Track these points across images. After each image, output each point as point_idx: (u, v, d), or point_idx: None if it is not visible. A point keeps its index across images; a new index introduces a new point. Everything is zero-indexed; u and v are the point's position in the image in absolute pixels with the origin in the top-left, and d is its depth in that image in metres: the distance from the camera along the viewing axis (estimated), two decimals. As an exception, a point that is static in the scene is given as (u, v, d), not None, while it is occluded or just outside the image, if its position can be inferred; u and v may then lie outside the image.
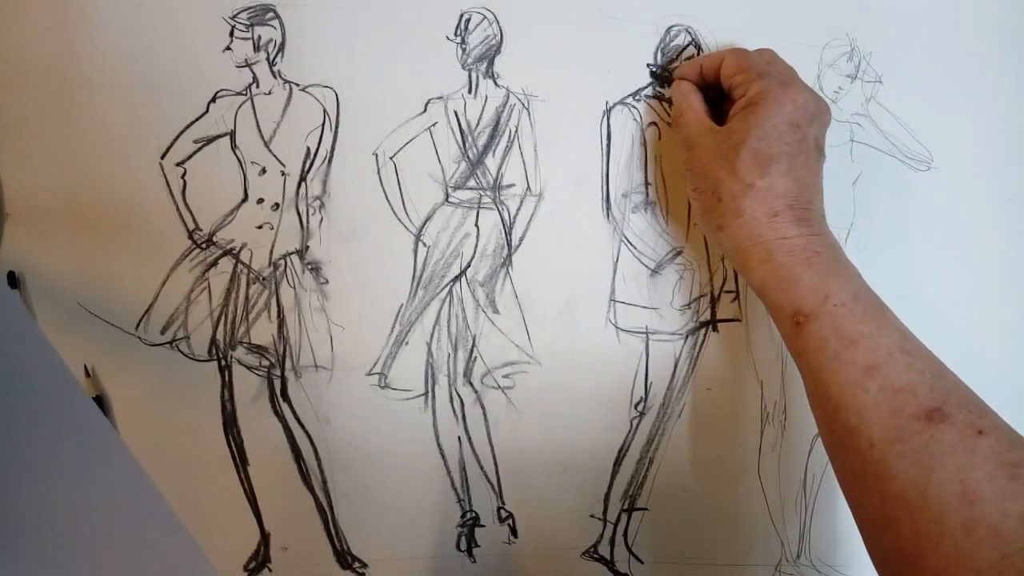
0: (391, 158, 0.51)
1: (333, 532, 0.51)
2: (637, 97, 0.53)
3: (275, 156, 0.50)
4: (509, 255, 0.52)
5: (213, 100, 0.50)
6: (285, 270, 0.51)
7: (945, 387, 0.39)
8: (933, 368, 0.40)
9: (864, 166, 0.56)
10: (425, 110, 0.51)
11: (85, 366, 0.49)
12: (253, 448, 0.51)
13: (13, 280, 0.48)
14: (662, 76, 0.53)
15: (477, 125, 0.52)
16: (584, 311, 0.53)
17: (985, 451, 0.37)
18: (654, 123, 0.54)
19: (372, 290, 0.51)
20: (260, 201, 0.50)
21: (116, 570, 0.41)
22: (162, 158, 0.50)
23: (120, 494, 0.43)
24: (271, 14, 0.50)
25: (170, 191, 0.50)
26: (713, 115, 0.49)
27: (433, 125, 0.52)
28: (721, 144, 0.45)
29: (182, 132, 0.50)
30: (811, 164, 0.45)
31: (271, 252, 0.51)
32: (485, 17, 0.52)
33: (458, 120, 0.52)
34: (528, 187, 0.52)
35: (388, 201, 0.51)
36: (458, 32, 0.51)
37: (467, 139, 0.52)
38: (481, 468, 0.53)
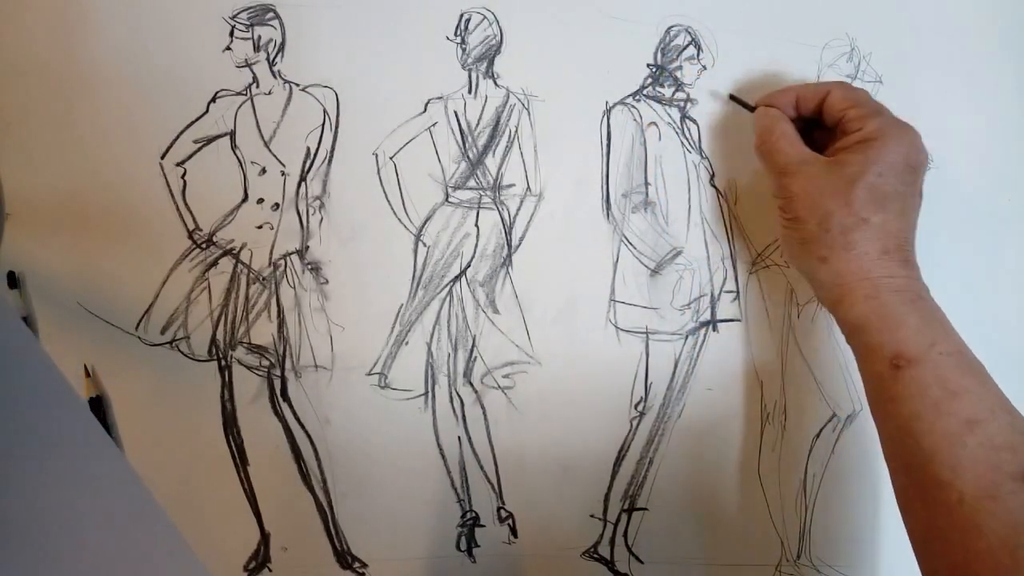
0: (391, 158, 0.51)
1: (333, 532, 0.51)
2: (637, 97, 0.53)
3: (275, 156, 0.50)
4: (509, 255, 0.52)
5: (213, 100, 0.50)
6: (285, 270, 0.51)
7: None
8: None
9: (864, 166, 0.56)
10: (425, 110, 0.51)
11: (85, 366, 0.49)
12: (253, 448, 0.51)
13: (13, 280, 0.48)
14: (743, 103, 0.52)
15: (477, 125, 0.52)
16: (584, 311, 0.53)
17: None
18: (654, 123, 0.54)
19: (372, 290, 0.51)
20: (260, 201, 0.50)
21: (105, 571, 0.41)
22: (162, 158, 0.50)
23: (109, 495, 0.43)
24: (271, 14, 0.50)
25: (170, 191, 0.50)
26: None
27: (433, 125, 0.52)
28: (832, 175, 0.44)
29: (182, 132, 0.50)
30: (917, 208, 0.46)
31: (271, 252, 0.51)
32: (485, 17, 0.52)
33: (458, 120, 0.52)
34: (528, 187, 0.52)
35: (388, 201, 0.51)
36: (458, 32, 0.51)
37: (467, 139, 0.52)
38: (481, 468, 0.53)
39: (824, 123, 0.49)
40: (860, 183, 0.43)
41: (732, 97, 0.53)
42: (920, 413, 0.40)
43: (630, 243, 0.53)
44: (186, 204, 0.50)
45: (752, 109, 0.51)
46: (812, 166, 0.45)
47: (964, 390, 0.40)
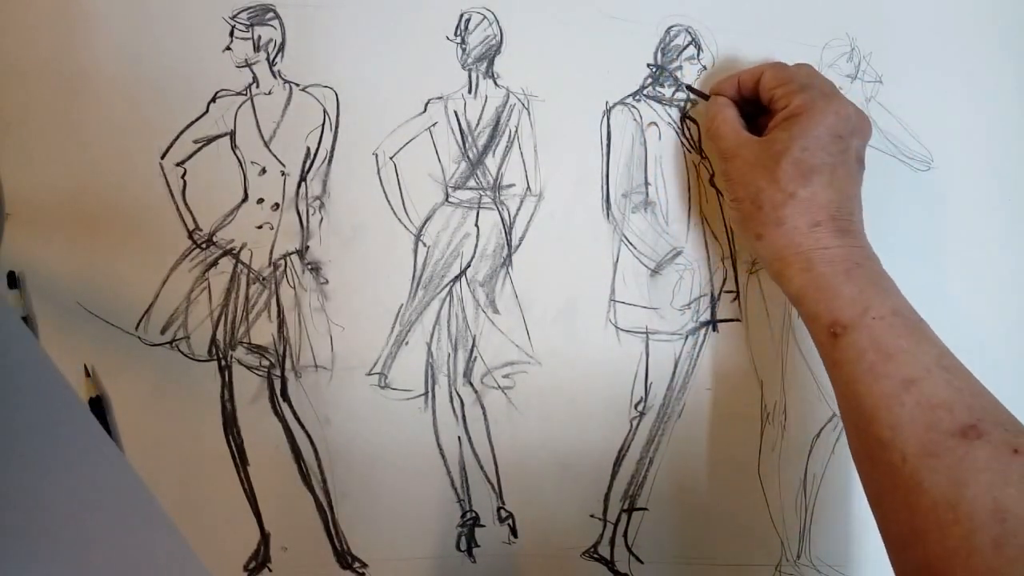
0: (391, 158, 0.51)
1: (333, 532, 0.51)
2: (637, 97, 0.53)
3: (275, 156, 0.50)
4: (509, 255, 0.52)
5: (213, 100, 0.50)
6: (285, 270, 0.51)
7: (982, 405, 0.39)
8: (970, 386, 0.40)
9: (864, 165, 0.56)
10: (425, 110, 0.51)
11: (85, 366, 0.49)
12: (253, 448, 0.51)
13: (13, 280, 0.48)
14: (696, 92, 0.53)
15: (477, 125, 0.52)
16: (584, 311, 0.53)
17: (1020, 470, 0.36)
18: (654, 123, 0.54)
19: (372, 290, 0.51)
20: (260, 201, 0.50)
21: (106, 572, 0.41)
22: (162, 158, 0.50)
23: (110, 495, 0.43)
24: (271, 14, 0.50)
25: (170, 191, 0.50)
26: (749, 129, 0.49)
27: (433, 125, 0.52)
28: (761, 154, 0.46)
29: (182, 132, 0.50)
30: (852, 176, 0.46)
31: (271, 252, 0.51)
32: (485, 17, 0.52)
33: (458, 120, 0.52)
34: (528, 187, 0.52)
35: (388, 201, 0.51)
36: (458, 32, 0.51)
37: (467, 139, 0.52)
38: (481, 468, 0.52)
39: (762, 104, 0.49)
40: (785, 158, 0.44)
41: (688, 87, 0.53)
42: (859, 376, 0.41)
43: (630, 243, 0.53)
44: (186, 204, 0.50)
45: (706, 97, 0.52)
46: (746, 148, 0.47)
47: (899, 351, 0.41)
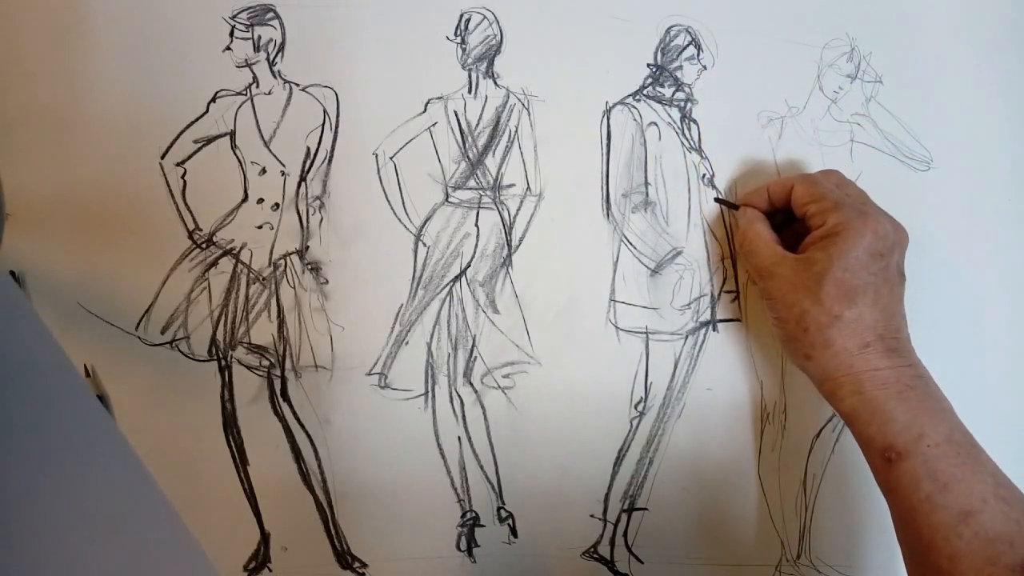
0: (391, 158, 0.51)
1: (333, 532, 0.51)
2: (637, 97, 0.53)
3: (275, 156, 0.50)
4: (509, 255, 0.52)
5: (213, 100, 0.50)
6: (285, 270, 0.51)
7: None
8: None
9: (864, 166, 0.56)
10: (425, 110, 0.51)
11: (85, 366, 0.49)
12: (253, 448, 0.50)
13: (13, 280, 0.48)
14: (727, 203, 0.53)
15: (477, 125, 0.52)
16: (584, 311, 0.53)
17: None
18: (654, 123, 0.54)
19: (372, 290, 0.51)
20: (260, 201, 0.50)
21: (117, 569, 0.41)
22: (162, 158, 0.50)
23: (122, 493, 0.43)
24: (271, 14, 0.50)
25: (170, 191, 0.50)
26: (779, 236, 0.49)
27: (433, 125, 0.52)
28: (801, 273, 0.45)
29: (182, 132, 0.50)
30: (895, 292, 0.46)
31: (271, 252, 0.51)
32: (485, 17, 0.52)
33: (458, 120, 0.52)
34: (528, 187, 0.52)
35: (388, 201, 0.51)
36: (458, 32, 0.51)
37: (467, 139, 0.52)
38: (481, 468, 0.52)
39: (794, 215, 0.49)
40: (827, 279, 0.44)
41: (717, 199, 0.53)
42: (916, 505, 0.41)
43: (630, 243, 0.53)
44: (186, 204, 0.50)
45: (736, 208, 0.52)
46: (784, 266, 0.46)
47: (955, 480, 0.41)
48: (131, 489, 0.43)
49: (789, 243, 0.49)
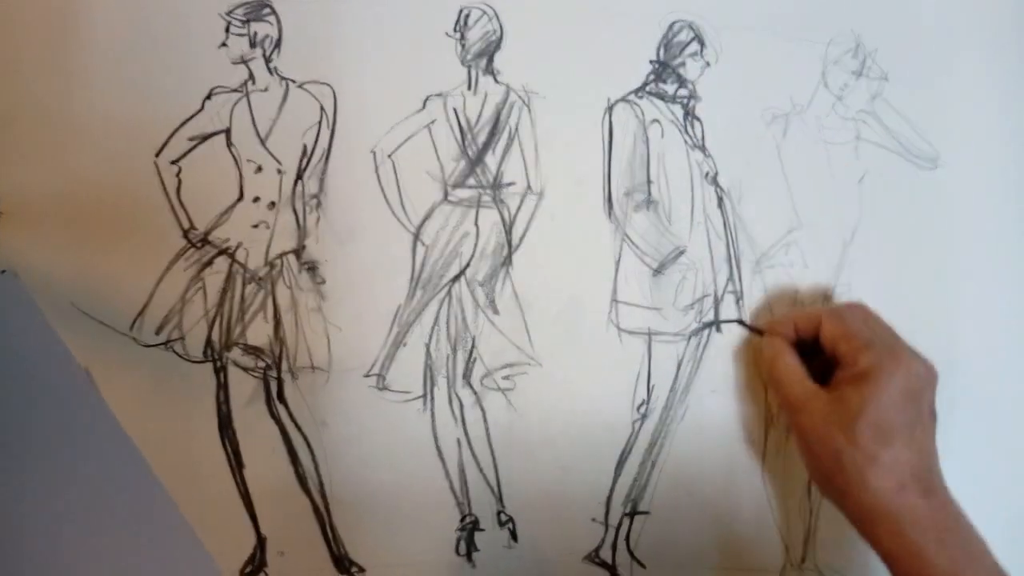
0: (389, 156, 0.51)
1: (331, 536, 0.51)
2: (640, 94, 0.53)
3: (271, 154, 0.50)
4: (509, 254, 0.52)
5: (208, 97, 0.50)
6: (281, 270, 0.50)
7: None
8: None
9: (870, 164, 0.56)
10: (424, 107, 0.51)
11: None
12: (249, 451, 0.50)
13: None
14: (750, 328, 0.53)
15: (477, 122, 0.52)
16: (585, 312, 0.52)
17: None
18: (656, 120, 0.53)
19: (370, 290, 0.51)
20: (256, 200, 0.50)
21: (121, 567, 0.41)
22: (157, 156, 0.49)
23: (126, 491, 0.43)
24: (267, 10, 0.50)
25: (165, 189, 0.49)
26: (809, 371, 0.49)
27: (432, 122, 0.51)
28: (835, 411, 0.46)
29: (177, 129, 0.49)
30: (927, 432, 0.46)
31: (267, 251, 0.50)
32: (485, 12, 0.51)
33: (457, 117, 0.51)
34: (528, 185, 0.52)
35: (386, 200, 0.51)
36: (457, 28, 0.51)
37: (466, 136, 0.52)
38: (481, 471, 0.52)
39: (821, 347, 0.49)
40: (862, 421, 0.44)
41: (741, 323, 0.53)
42: None
43: (632, 242, 0.53)
44: (181, 203, 0.49)
45: (761, 334, 0.52)
46: (816, 402, 0.47)
47: None
48: (135, 488, 0.43)
49: (814, 374, 0.49)
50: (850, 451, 0.45)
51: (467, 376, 0.52)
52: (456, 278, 0.52)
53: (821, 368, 0.49)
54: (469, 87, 0.52)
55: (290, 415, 0.51)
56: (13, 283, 0.46)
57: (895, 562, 0.44)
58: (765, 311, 0.54)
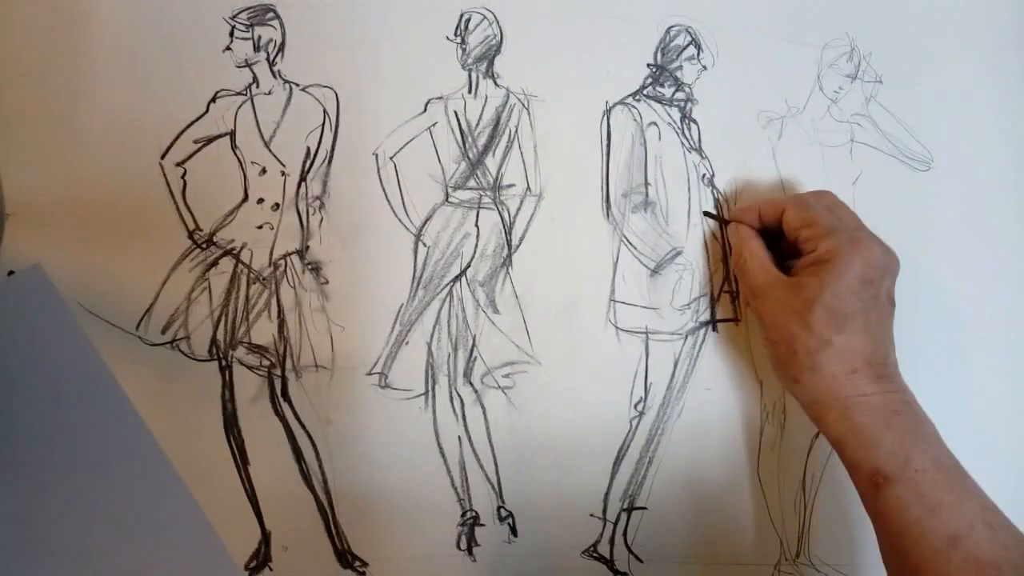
0: (391, 158, 0.51)
1: (334, 531, 0.51)
2: (637, 97, 0.53)
3: (275, 156, 0.50)
4: (509, 255, 0.52)
5: (213, 100, 0.50)
6: (285, 270, 0.51)
7: None
8: (1015, 541, 0.41)
9: (864, 166, 0.56)
10: (425, 110, 0.51)
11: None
12: (254, 448, 0.50)
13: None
14: (716, 217, 0.53)
15: (477, 125, 0.52)
16: (584, 311, 0.53)
17: None
18: (654, 123, 0.54)
19: (372, 290, 0.51)
20: (260, 201, 0.50)
21: (143, 559, 0.41)
22: (162, 158, 0.49)
23: (148, 485, 0.43)
24: (271, 14, 0.50)
25: (170, 191, 0.49)
26: (773, 258, 0.49)
27: (433, 125, 0.52)
28: (793, 298, 0.46)
29: (182, 132, 0.49)
30: (884, 319, 0.46)
31: (271, 252, 0.51)
32: (485, 17, 0.51)
33: (458, 120, 0.52)
34: (528, 187, 0.52)
35: (388, 201, 0.51)
36: (458, 32, 0.51)
37: (467, 139, 0.52)
38: (481, 467, 0.53)
39: (785, 237, 0.49)
40: (817, 305, 0.44)
41: (706, 213, 0.53)
42: (903, 530, 0.42)
43: (630, 243, 0.53)
44: (186, 204, 0.50)
45: (726, 223, 0.52)
46: (777, 288, 0.47)
47: (943, 506, 0.41)
48: (153, 478, 0.44)
49: (779, 261, 0.49)
50: (804, 336, 0.45)
51: (468, 374, 0.52)
52: (457, 278, 0.52)
53: (788, 256, 0.49)
54: (470, 90, 0.52)
55: (294, 413, 0.51)
56: (39, 277, 0.46)
57: (843, 445, 0.44)
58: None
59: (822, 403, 0.45)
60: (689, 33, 0.53)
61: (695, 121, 0.54)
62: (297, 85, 0.50)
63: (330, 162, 0.51)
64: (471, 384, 0.52)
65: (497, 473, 0.53)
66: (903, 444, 0.43)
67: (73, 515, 0.42)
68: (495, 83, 0.52)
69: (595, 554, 0.54)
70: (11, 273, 0.48)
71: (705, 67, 0.54)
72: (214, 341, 0.50)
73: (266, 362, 0.51)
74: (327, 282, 0.51)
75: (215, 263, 0.50)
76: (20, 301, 0.43)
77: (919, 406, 0.45)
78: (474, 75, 0.52)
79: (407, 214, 0.51)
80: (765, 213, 0.49)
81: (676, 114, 0.54)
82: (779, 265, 0.49)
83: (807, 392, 0.45)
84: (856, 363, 0.44)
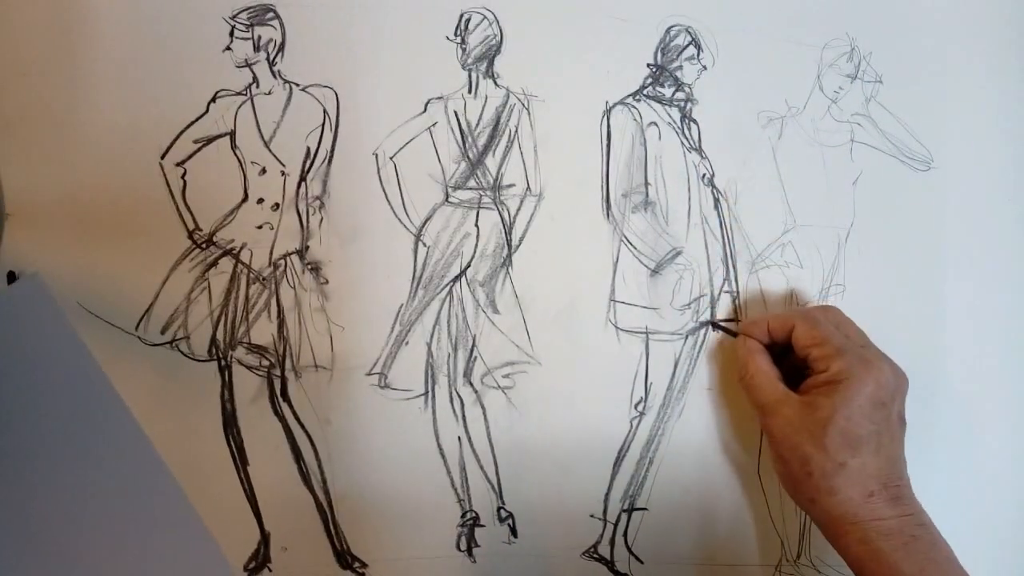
0: (391, 158, 0.51)
1: (333, 532, 0.51)
2: (637, 97, 0.53)
3: (275, 156, 0.50)
4: (509, 255, 0.52)
5: (213, 100, 0.50)
6: (285, 270, 0.51)
7: None
8: None
9: (864, 166, 0.56)
10: (425, 110, 0.51)
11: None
12: (253, 448, 0.50)
13: (13, 280, 0.48)
14: (725, 329, 0.53)
15: (477, 125, 0.52)
16: (584, 311, 0.53)
17: None
18: (654, 123, 0.54)
19: (372, 290, 0.51)
20: (260, 201, 0.50)
21: (136, 558, 0.41)
22: (162, 158, 0.49)
23: (142, 486, 0.43)
24: (271, 14, 0.50)
25: (170, 191, 0.50)
26: (782, 374, 0.49)
27: (433, 125, 0.52)
28: (805, 417, 0.46)
29: (182, 132, 0.50)
30: (896, 439, 0.46)
31: (271, 252, 0.51)
32: (485, 17, 0.52)
33: (458, 120, 0.52)
34: (528, 187, 0.52)
35: (388, 201, 0.51)
36: (458, 32, 0.51)
37: (467, 139, 0.52)
38: (481, 468, 0.52)
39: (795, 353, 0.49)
40: (831, 427, 0.45)
41: (715, 324, 0.54)
42: None
43: (630, 243, 0.53)
44: (186, 204, 0.50)
45: (734, 335, 0.52)
46: (787, 406, 0.47)
47: None
48: (150, 483, 0.44)
49: (787, 375, 0.49)
50: (819, 458, 0.45)
51: (468, 375, 0.52)
52: (457, 278, 0.52)
53: (795, 369, 0.49)
54: (470, 90, 0.52)
55: (293, 413, 0.51)
56: (38, 285, 0.46)
57: (862, 569, 0.45)
58: (761, 311, 0.55)
59: (840, 526, 0.45)
60: (689, 33, 0.53)
61: (695, 121, 0.54)
62: (297, 85, 0.51)
63: (330, 162, 0.51)
64: (471, 384, 0.52)
65: (497, 474, 0.53)
66: (921, 571, 0.43)
67: (69, 521, 0.42)
68: (495, 83, 0.52)
69: (595, 555, 0.54)
70: (11, 273, 0.48)
71: (705, 67, 0.54)
72: (214, 341, 0.50)
73: (265, 362, 0.51)
74: (327, 282, 0.51)
75: (215, 263, 0.50)
76: (19, 310, 0.43)
77: (935, 527, 0.45)
78: (474, 75, 0.52)
79: (407, 214, 0.51)
80: (774, 328, 0.50)
81: (676, 114, 0.54)
82: (784, 378, 0.49)
83: (824, 513, 0.46)
84: (872, 486, 0.45)
